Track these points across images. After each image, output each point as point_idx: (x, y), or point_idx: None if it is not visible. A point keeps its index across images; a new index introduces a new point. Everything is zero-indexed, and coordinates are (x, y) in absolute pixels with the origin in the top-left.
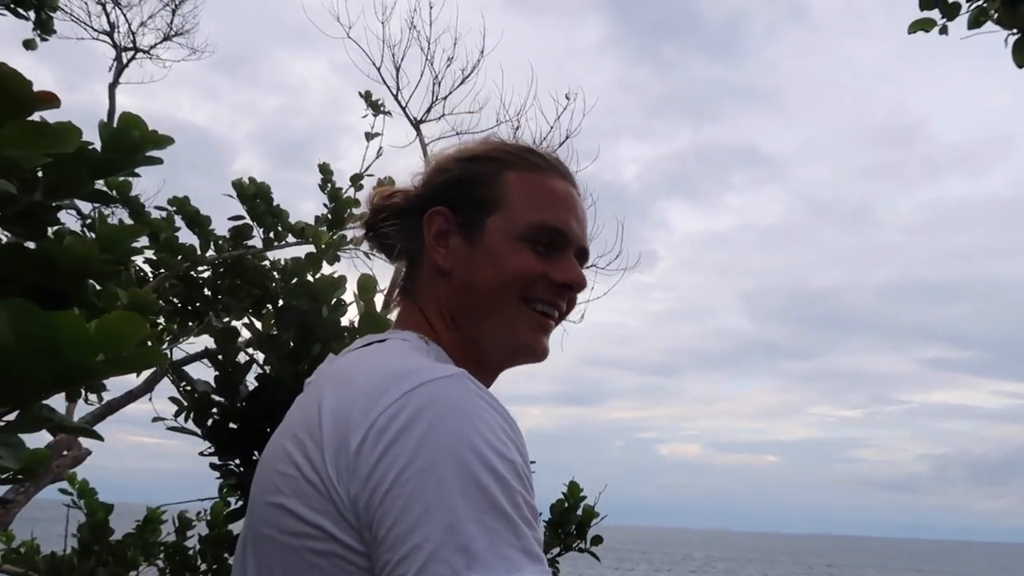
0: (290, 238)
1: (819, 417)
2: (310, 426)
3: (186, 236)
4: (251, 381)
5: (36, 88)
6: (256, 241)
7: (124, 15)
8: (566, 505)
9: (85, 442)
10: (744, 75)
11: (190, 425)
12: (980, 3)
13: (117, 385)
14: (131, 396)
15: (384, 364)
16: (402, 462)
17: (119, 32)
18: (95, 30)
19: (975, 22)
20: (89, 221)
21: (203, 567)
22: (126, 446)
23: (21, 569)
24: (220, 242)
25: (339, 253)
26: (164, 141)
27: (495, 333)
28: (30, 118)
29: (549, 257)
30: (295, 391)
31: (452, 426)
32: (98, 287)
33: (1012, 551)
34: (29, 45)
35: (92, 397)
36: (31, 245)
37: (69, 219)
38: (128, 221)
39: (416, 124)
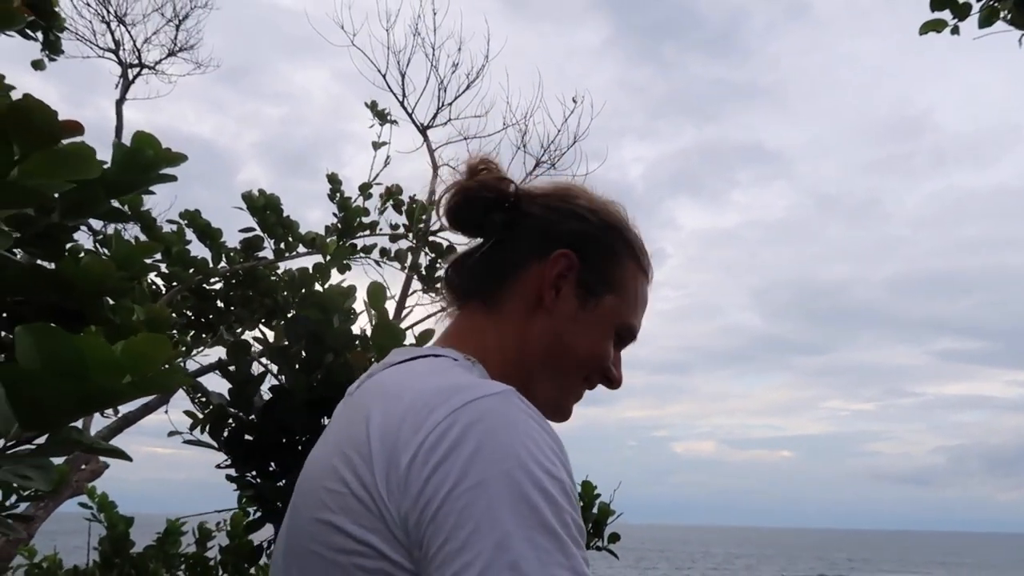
0: (301, 248)
1: (833, 411)
2: (358, 443)
3: (197, 249)
4: (265, 392)
5: (61, 117)
6: (267, 252)
7: (129, 32)
8: (581, 504)
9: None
10: (746, 73)
11: (205, 438)
12: (991, 2)
13: None
14: (147, 409)
15: (432, 380)
16: (453, 479)
17: (124, 49)
18: (101, 48)
19: (986, 21)
20: (102, 237)
21: None
22: (140, 457)
23: None
24: (231, 254)
25: (348, 262)
26: (177, 159)
27: (549, 388)
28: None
29: (616, 350)
30: (309, 402)
31: (502, 443)
32: (112, 303)
33: None
34: (37, 66)
35: (108, 411)
36: (49, 265)
37: (81, 235)
38: (140, 236)
39: (423, 130)
